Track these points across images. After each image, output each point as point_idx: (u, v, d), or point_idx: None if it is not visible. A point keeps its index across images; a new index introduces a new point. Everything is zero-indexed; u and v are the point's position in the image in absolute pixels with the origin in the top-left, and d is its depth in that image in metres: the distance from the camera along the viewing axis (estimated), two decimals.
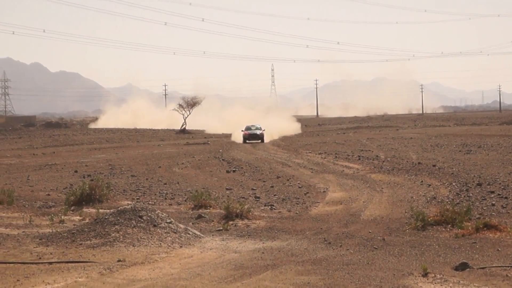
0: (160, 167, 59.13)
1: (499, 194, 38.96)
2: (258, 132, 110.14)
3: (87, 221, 30.89)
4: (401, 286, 20.16)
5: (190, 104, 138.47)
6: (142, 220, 28.68)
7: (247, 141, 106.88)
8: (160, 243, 27.24)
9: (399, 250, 25.99)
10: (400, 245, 26.93)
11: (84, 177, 49.32)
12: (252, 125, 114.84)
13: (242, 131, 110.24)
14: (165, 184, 48.66)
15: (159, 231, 28.21)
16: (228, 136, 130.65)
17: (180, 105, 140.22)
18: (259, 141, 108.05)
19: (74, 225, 31.05)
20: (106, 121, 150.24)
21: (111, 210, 31.01)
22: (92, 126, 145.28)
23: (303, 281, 21.13)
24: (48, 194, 42.61)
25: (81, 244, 27.20)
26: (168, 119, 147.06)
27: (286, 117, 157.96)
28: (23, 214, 35.24)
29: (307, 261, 24.32)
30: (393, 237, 28.69)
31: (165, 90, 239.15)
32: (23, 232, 30.27)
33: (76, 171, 55.61)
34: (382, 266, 23.20)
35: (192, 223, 32.34)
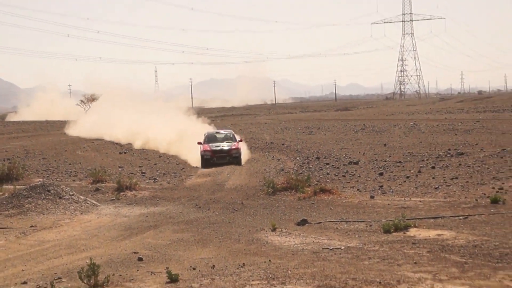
0: (66, 151, 58.28)
1: (332, 165, 39.53)
2: (226, 147, 45.79)
3: (6, 195, 30.45)
4: (255, 239, 20.36)
5: (90, 100, 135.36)
6: (50, 193, 28.47)
7: (213, 161, 44.47)
8: (65, 211, 27.09)
9: (254, 211, 26.26)
10: (255, 207, 27.21)
11: (4, 160, 48.29)
12: (217, 132, 50.72)
13: (200, 143, 45.94)
14: (70, 164, 48.13)
15: (64, 201, 28.04)
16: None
17: (81, 101, 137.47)
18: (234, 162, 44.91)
19: None
20: (23, 115, 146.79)
21: (25, 186, 30.68)
22: (11, 119, 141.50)
23: (178, 237, 21.24)
24: None
25: (0, 214, 26.90)
26: (73, 113, 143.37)
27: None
28: None
29: (181, 221, 24.45)
30: (250, 201, 28.96)
31: (70, 89, 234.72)
32: None
33: None
34: (240, 224, 23.43)
35: (91, 195, 32.09)
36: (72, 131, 78.57)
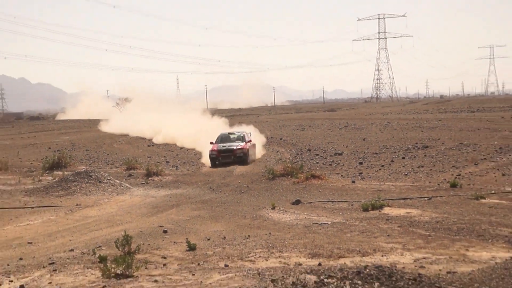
0: (104, 144, 58.15)
1: (321, 156, 39.50)
2: (232, 147, 38.53)
3: (56, 179, 30.56)
4: (258, 215, 20.41)
5: (124, 102, 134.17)
6: (91, 178, 28.59)
7: (219, 160, 37.98)
8: (104, 193, 27.17)
9: (257, 193, 26.31)
10: (258, 190, 27.26)
11: (54, 151, 48.27)
12: (231, 133, 42.10)
13: (212, 143, 39.39)
14: (108, 154, 48.12)
15: (103, 185, 28.13)
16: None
17: (117, 103, 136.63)
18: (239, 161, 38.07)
19: (48, 182, 30.66)
20: (70, 115, 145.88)
21: (72, 172, 30.78)
22: (60, 118, 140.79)
23: (196, 214, 21.29)
24: (31, 163, 41.89)
25: (52, 194, 27.01)
26: (110, 113, 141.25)
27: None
28: (14, 176, 34.75)
29: (198, 201, 24.48)
30: (254, 185, 28.98)
31: (107, 93, 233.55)
32: (14, 188, 29.89)
33: (49, 148, 54.45)
34: (246, 203, 23.47)
35: (125, 179, 32.12)
36: (105, 127, 77.79)
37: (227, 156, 37.58)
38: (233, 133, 41.20)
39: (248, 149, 38.47)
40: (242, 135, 40.49)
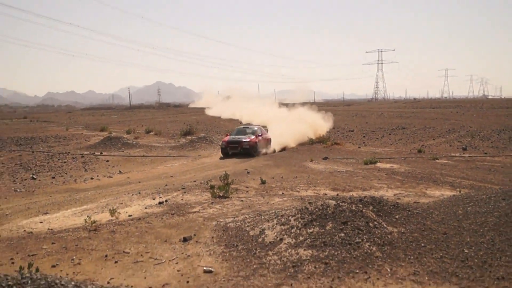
0: (215, 121, 58.43)
1: (341, 132, 38.78)
2: (244, 138, 24.49)
3: (187, 141, 30.90)
4: (302, 165, 20.18)
5: (227, 98, 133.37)
6: (207, 140, 28.85)
7: (227, 150, 24.17)
8: (214, 149, 27.32)
9: (303, 152, 26.00)
10: (303, 150, 26.95)
11: (187, 125, 48.95)
12: (246, 127, 27.11)
13: (227, 135, 26.12)
14: (216, 127, 48.43)
15: (214, 144, 28.33)
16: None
17: (223, 99, 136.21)
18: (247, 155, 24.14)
19: (183, 142, 31.03)
20: (196, 104, 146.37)
21: (196, 137, 31.06)
22: (190, 106, 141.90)
23: (266, 163, 21.11)
24: (174, 131, 42.52)
25: (185, 149, 27.32)
26: (214, 104, 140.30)
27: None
28: (164, 138, 35.33)
29: (267, 156, 24.31)
30: (301, 147, 28.66)
31: (218, 92, 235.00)
32: (164, 145, 30.35)
33: (184, 123, 55.20)
34: (296, 158, 23.24)
35: None
36: (208, 112, 77.32)
37: (234, 147, 24.49)
38: (248, 127, 27.35)
39: (256, 143, 24.90)
40: (255, 129, 26.81)
